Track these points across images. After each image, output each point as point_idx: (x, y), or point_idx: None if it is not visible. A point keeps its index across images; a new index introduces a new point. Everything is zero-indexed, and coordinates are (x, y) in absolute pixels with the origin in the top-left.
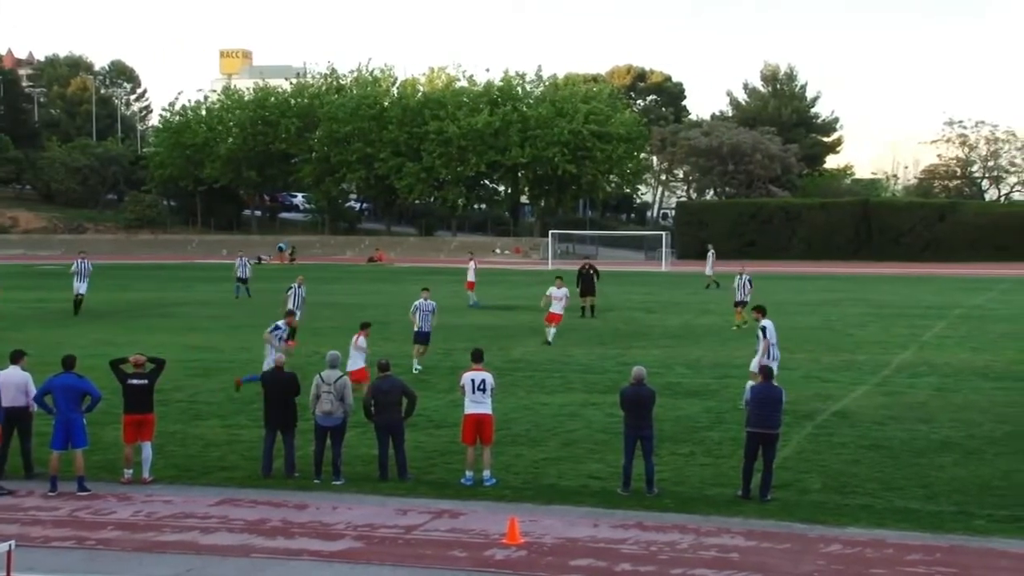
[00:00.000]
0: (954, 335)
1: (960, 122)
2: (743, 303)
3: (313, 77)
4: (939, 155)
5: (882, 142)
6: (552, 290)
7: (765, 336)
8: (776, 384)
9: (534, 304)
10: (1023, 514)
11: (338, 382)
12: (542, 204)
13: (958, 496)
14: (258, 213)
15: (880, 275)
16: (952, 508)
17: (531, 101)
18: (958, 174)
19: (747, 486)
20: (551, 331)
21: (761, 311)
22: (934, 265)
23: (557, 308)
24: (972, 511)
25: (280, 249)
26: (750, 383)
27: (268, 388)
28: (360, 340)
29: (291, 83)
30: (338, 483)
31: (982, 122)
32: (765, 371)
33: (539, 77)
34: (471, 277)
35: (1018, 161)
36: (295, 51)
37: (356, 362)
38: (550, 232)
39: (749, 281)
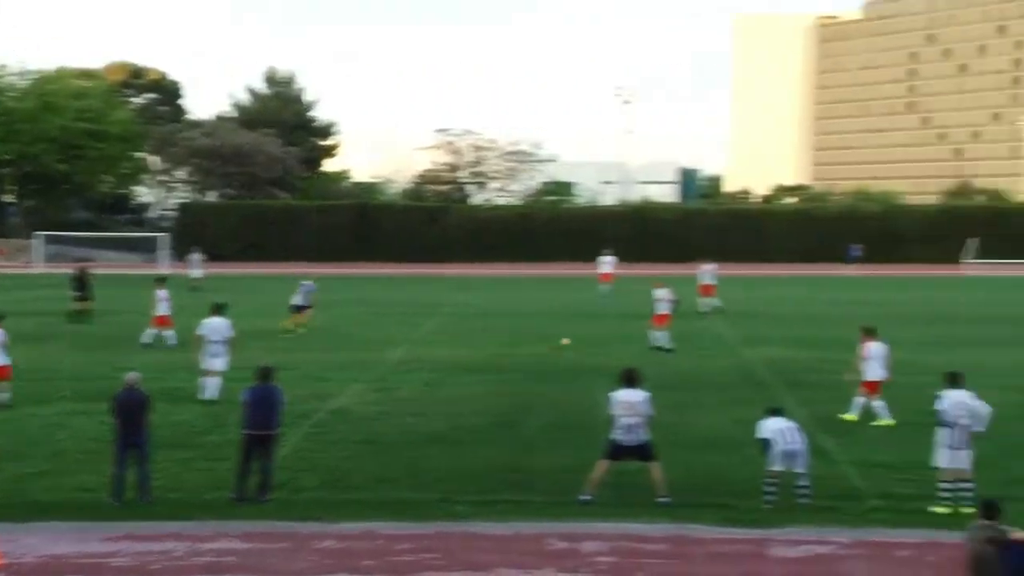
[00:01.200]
0: (443, 332)
1: (450, 130)
2: (303, 308)
3: None
4: (432, 161)
5: (379, 147)
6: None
7: (198, 330)
8: (275, 385)
9: (20, 309)
10: (498, 499)
11: None
12: (30, 204)
13: (444, 484)
14: None
15: (377, 275)
16: (438, 496)
17: (15, 94)
18: (448, 179)
19: (242, 488)
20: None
21: (214, 309)
22: (427, 265)
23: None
24: (455, 498)
25: None
26: (205, 378)
27: None
28: None
29: None
30: None
31: (469, 131)
32: (263, 371)
33: (24, 70)
34: None
35: (499, 168)
36: None
37: None
38: (39, 234)
39: (313, 289)
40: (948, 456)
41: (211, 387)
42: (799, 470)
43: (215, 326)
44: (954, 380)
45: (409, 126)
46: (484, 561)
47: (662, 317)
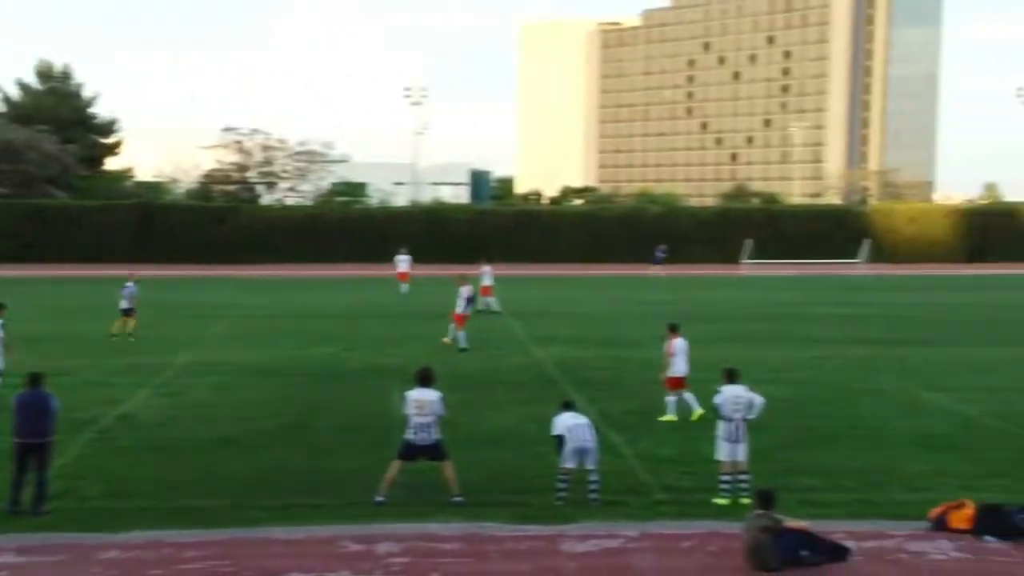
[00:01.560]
0: (233, 334)
1: (237, 129)
2: (131, 311)
3: None
4: (219, 160)
5: (164, 145)
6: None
7: None
8: (46, 390)
9: None
10: (291, 502)
11: None
12: None
13: (235, 490)
14: None
15: (163, 277)
16: (229, 502)
17: None
18: (236, 179)
19: (16, 499)
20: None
21: None
22: (215, 267)
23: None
24: (247, 503)
25: None
26: None
27: None
28: None
29: None
30: None
31: (257, 130)
32: (33, 377)
33: None
34: None
35: (289, 168)
36: None
37: None
38: None
39: (134, 291)
40: (727, 449)
41: None
42: (590, 467)
43: None
44: (731, 375)
45: (196, 125)
46: (277, 566)
47: (460, 316)
